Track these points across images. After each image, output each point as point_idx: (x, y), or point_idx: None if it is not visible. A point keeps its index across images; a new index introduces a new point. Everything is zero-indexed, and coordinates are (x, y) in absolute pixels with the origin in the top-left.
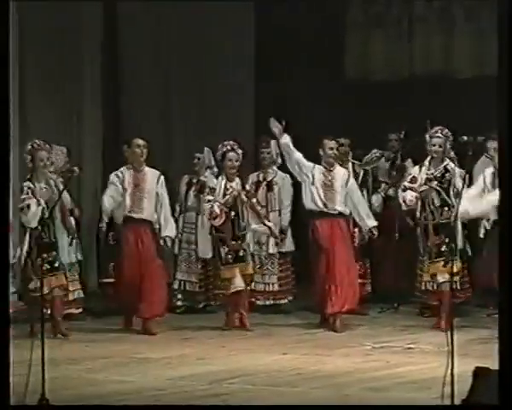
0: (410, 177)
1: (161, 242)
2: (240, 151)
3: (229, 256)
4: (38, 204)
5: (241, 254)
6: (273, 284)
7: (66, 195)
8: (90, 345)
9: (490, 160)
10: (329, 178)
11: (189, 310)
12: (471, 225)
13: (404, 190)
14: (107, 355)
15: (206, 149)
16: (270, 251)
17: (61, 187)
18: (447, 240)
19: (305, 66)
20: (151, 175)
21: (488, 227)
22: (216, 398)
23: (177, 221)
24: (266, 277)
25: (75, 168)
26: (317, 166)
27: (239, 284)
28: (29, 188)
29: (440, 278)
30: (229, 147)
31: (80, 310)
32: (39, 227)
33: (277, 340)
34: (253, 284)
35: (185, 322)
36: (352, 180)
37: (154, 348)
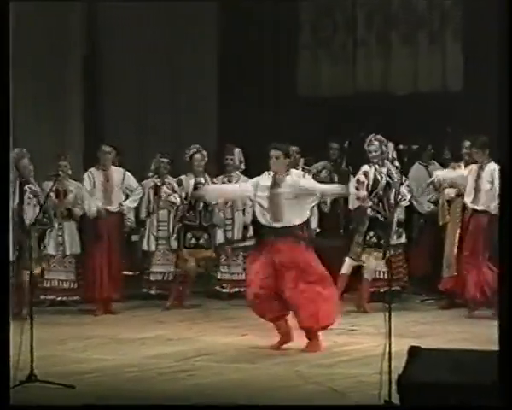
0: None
1: (122, 208)
2: (204, 153)
3: (192, 242)
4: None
5: (200, 241)
6: (238, 273)
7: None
8: (74, 328)
9: (423, 166)
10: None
11: (165, 298)
12: (408, 218)
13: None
14: (89, 336)
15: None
16: (241, 244)
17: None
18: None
19: (261, 81)
20: (117, 173)
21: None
22: (183, 373)
23: (144, 222)
24: (232, 267)
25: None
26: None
27: (191, 266)
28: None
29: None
30: (195, 149)
31: (70, 298)
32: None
33: (237, 323)
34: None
35: (159, 308)
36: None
37: (131, 330)
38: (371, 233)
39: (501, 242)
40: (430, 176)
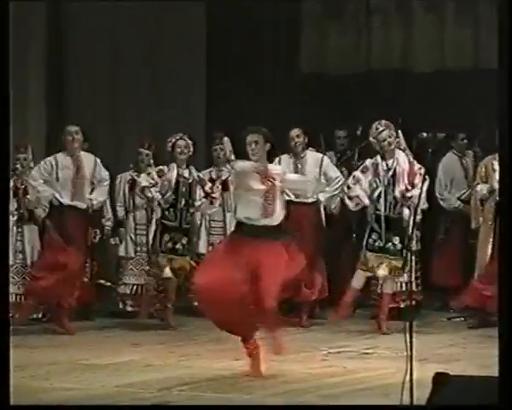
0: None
1: (88, 203)
2: (190, 141)
3: (168, 246)
4: None
5: (178, 246)
6: None
7: None
8: (34, 351)
9: (458, 157)
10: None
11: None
12: (428, 222)
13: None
14: (51, 361)
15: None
16: None
17: None
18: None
19: (258, 59)
20: (87, 160)
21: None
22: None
23: (121, 222)
24: None
25: None
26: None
27: (168, 273)
28: None
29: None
30: (178, 136)
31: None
32: None
33: (228, 345)
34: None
35: (134, 327)
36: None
37: (100, 354)
38: (375, 236)
39: (501, 242)
40: (464, 169)
